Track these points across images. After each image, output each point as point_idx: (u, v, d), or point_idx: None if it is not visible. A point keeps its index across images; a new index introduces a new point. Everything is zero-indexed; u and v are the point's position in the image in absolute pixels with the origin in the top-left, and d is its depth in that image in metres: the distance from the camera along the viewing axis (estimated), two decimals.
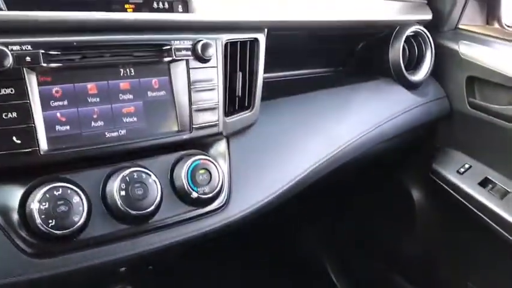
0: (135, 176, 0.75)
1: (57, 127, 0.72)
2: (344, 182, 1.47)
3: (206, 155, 0.84)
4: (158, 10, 0.85)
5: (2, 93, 0.67)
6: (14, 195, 0.69)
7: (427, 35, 1.27)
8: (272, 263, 1.68)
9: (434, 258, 1.49)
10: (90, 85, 0.75)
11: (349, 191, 1.60)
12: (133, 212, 0.74)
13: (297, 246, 1.75)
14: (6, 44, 0.66)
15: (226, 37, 0.88)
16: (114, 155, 0.77)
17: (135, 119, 0.79)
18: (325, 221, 1.71)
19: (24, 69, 0.68)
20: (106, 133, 0.76)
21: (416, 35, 1.27)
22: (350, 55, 1.33)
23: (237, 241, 1.08)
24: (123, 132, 0.78)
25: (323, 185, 1.08)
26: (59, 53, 0.71)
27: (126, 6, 0.82)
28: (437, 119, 1.34)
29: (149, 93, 0.81)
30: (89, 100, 0.75)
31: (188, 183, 0.80)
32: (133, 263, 0.84)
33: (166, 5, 0.86)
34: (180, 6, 0.87)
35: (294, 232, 1.75)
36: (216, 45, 0.86)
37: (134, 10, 0.82)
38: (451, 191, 1.33)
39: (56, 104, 0.72)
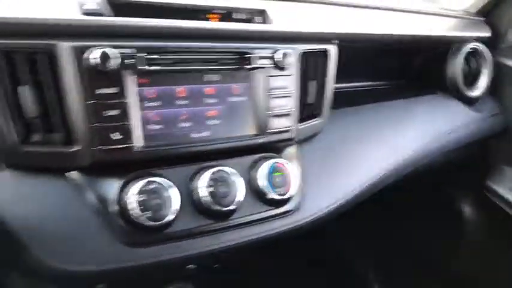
0: (221, 175, 0.79)
1: (151, 126, 0.77)
2: (395, 193, 1.48)
3: (281, 159, 0.88)
4: (238, 21, 0.90)
5: (105, 91, 0.72)
6: (112, 187, 0.74)
7: (485, 52, 1.29)
8: (313, 266, 1.69)
9: (483, 275, 1.48)
10: (180, 88, 0.80)
11: (399, 202, 1.60)
12: (219, 208, 0.78)
13: (339, 252, 1.76)
14: (115, 47, 0.71)
15: (301, 47, 0.93)
16: (199, 154, 0.81)
17: (218, 121, 0.83)
18: (371, 230, 1.72)
19: (128, 70, 0.73)
20: (192, 134, 0.81)
21: (474, 51, 1.29)
22: (408, 69, 1.35)
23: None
24: (207, 133, 0.82)
25: (375, 193, 1.10)
26: (158, 57, 0.76)
27: (210, 16, 0.88)
28: (493, 135, 1.35)
29: (231, 98, 0.85)
30: (179, 102, 0.80)
31: (267, 183, 0.84)
32: (211, 259, 0.88)
33: (245, 16, 0.91)
34: (258, 17, 0.92)
35: (338, 238, 1.75)
36: (293, 54, 0.90)
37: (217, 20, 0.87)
38: (506, 208, 1.33)
39: (151, 104, 0.77)
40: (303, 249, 1.58)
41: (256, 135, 0.87)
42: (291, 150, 0.94)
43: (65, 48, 0.69)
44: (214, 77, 0.84)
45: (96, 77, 0.71)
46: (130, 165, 0.75)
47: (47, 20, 0.70)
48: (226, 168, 0.81)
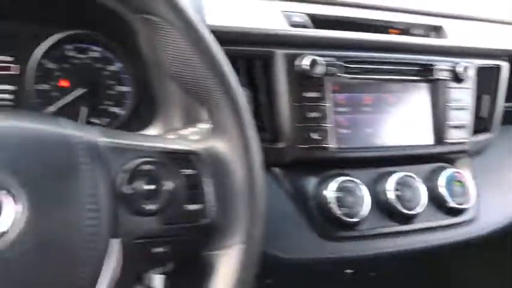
0: (406, 180, 0.82)
1: (342, 129, 0.83)
2: None
3: (459, 169, 0.90)
4: (415, 35, 0.94)
5: (310, 95, 0.79)
6: (310, 183, 0.80)
7: None
8: None
9: None
10: (366, 96, 0.85)
11: None
12: (405, 211, 0.81)
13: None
14: (319, 55, 0.79)
15: (478, 62, 0.95)
16: (382, 159, 0.85)
17: (398, 129, 0.87)
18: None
19: (329, 77, 0.80)
20: (375, 139, 0.85)
21: None
22: None
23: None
24: (389, 140, 0.86)
25: None
26: (353, 66, 0.82)
27: (390, 30, 0.93)
28: None
29: (411, 108, 0.89)
30: (364, 109, 0.85)
31: (447, 192, 0.86)
32: (373, 265, 0.90)
33: (423, 32, 0.95)
34: (433, 32, 0.96)
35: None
36: (471, 68, 0.92)
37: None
38: None
39: (342, 109, 0.83)
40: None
41: (434, 145, 0.89)
42: (464, 161, 0.95)
43: (280, 55, 0.78)
44: (396, 87, 0.88)
45: (304, 81, 0.78)
46: (324, 164, 0.81)
47: (265, 31, 0.79)
48: (411, 174, 0.84)
